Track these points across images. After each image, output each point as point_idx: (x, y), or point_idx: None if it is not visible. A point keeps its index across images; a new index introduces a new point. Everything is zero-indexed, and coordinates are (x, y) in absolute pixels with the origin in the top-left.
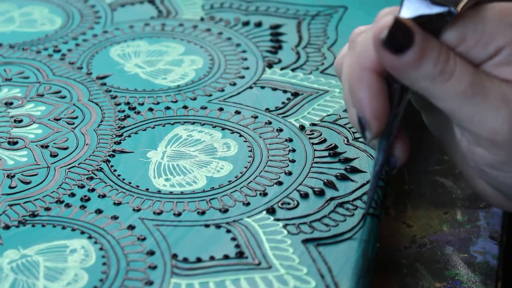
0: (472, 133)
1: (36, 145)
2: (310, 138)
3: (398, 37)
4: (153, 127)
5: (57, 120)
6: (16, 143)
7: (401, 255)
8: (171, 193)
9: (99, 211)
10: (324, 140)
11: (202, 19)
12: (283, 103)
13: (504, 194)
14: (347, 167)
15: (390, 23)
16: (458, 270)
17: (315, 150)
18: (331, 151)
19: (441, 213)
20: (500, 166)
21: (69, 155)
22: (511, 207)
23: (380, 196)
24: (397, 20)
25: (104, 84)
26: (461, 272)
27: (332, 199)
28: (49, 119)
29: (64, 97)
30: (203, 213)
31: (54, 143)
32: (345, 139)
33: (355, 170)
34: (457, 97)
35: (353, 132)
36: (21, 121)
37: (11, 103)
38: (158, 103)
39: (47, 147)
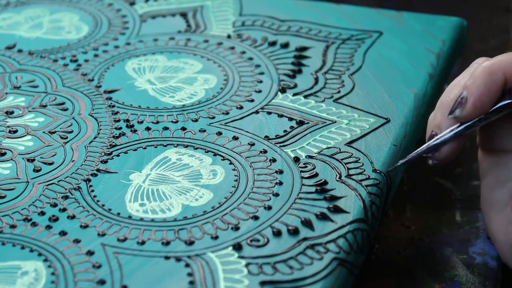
0: None
1: (22, 158)
2: (301, 171)
3: None
4: (145, 148)
5: (52, 133)
6: (3, 154)
7: (399, 256)
8: (141, 219)
9: (63, 233)
10: (315, 175)
11: (229, 36)
12: (285, 131)
13: None
14: (330, 206)
15: None
16: (457, 271)
17: (303, 184)
18: (318, 187)
19: (440, 214)
20: None
21: (52, 171)
22: None
23: (359, 240)
24: None
25: (110, 98)
26: (460, 273)
27: (304, 239)
28: (43, 132)
29: (66, 110)
30: (167, 243)
31: (41, 157)
32: (338, 175)
33: (338, 210)
34: None
35: (348, 168)
36: (15, 131)
37: (12, 112)
38: (157, 122)
39: (33, 160)
